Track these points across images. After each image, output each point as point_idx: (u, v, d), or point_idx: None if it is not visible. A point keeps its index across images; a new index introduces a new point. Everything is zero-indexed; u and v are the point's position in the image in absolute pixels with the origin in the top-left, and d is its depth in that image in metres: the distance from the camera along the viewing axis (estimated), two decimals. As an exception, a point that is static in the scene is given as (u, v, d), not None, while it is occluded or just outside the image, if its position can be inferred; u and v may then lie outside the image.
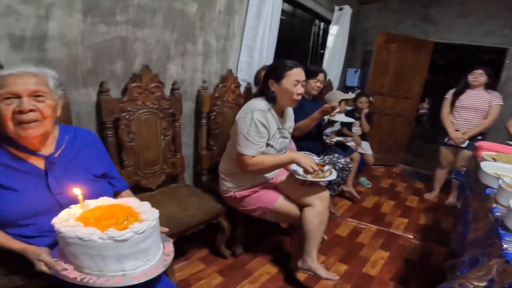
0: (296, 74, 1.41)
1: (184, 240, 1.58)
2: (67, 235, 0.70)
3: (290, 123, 1.64)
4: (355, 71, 3.85)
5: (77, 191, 0.81)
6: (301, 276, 1.66)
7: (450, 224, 2.53)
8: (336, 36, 3.29)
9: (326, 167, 1.56)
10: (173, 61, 1.72)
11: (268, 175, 1.61)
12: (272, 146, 1.48)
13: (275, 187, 1.61)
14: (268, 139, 1.45)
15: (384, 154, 3.79)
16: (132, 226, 0.75)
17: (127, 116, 1.45)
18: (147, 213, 0.82)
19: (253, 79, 2.21)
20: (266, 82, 1.47)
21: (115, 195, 1.12)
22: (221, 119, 1.96)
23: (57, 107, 0.92)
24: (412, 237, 2.25)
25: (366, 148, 2.99)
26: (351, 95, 2.74)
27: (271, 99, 1.46)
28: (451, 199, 2.83)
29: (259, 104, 1.43)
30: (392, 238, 2.21)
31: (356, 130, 3.04)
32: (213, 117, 1.91)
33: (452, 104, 2.73)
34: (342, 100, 2.41)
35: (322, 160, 2.07)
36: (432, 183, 3.07)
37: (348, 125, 2.98)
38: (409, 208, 2.79)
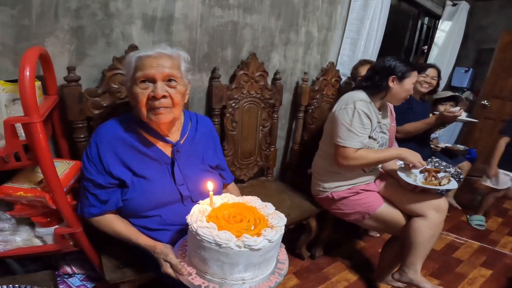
0: (416, 76, 1.36)
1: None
2: (204, 239, 0.64)
3: (387, 119, 1.47)
4: (466, 71, 3.27)
5: (210, 185, 0.76)
6: (384, 287, 1.54)
7: None
8: (449, 33, 2.93)
9: (442, 174, 1.34)
10: (277, 50, 1.64)
11: (370, 176, 1.44)
12: (374, 139, 1.35)
13: (378, 191, 1.43)
14: (370, 132, 1.32)
15: (492, 166, 3.21)
16: (266, 233, 0.67)
17: (233, 104, 1.42)
18: (274, 218, 0.75)
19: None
20: (386, 76, 1.33)
21: (222, 187, 1.07)
22: (318, 114, 1.82)
23: (186, 93, 0.88)
24: (520, 256, 1.98)
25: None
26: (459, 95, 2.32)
27: (379, 92, 1.35)
28: None
29: (360, 95, 1.32)
30: (496, 256, 1.98)
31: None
32: (310, 110, 1.79)
33: None
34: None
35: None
36: None
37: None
38: (519, 227, 2.44)
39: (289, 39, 1.68)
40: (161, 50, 0.82)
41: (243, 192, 0.89)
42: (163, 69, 0.79)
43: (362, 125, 1.26)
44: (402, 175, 1.33)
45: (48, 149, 0.76)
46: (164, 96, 0.79)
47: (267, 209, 0.79)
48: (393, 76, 1.32)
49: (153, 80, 0.79)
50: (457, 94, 2.21)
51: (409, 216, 1.32)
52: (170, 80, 0.81)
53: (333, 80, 1.85)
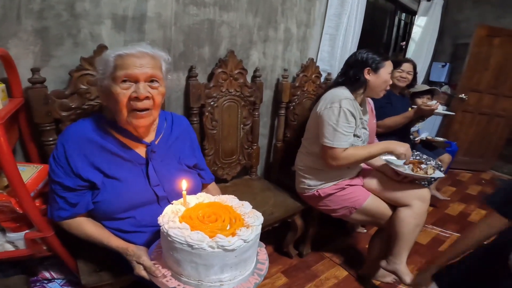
0: (390, 65, 1.36)
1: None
2: (176, 240, 0.62)
3: (367, 115, 1.49)
4: (443, 65, 3.35)
5: (184, 184, 0.74)
6: (374, 283, 1.55)
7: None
8: (425, 28, 2.99)
9: (424, 165, 1.39)
10: (256, 47, 1.63)
11: (354, 171, 1.45)
12: (358, 137, 1.36)
13: (363, 184, 1.44)
14: (354, 129, 1.33)
15: (472, 158, 3.34)
16: (240, 232, 0.65)
17: (212, 103, 1.40)
18: (250, 217, 0.72)
19: (334, 69, 2.02)
20: (360, 70, 1.35)
21: (202, 187, 1.05)
22: (299, 110, 1.82)
23: (165, 94, 0.85)
24: (505, 248, 1.96)
25: None
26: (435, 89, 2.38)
27: (360, 87, 1.36)
28: None
29: (344, 93, 1.32)
30: (482, 248, 1.98)
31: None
32: (291, 107, 1.78)
33: None
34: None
35: None
36: None
37: None
38: (502, 219, 2.44)
39: (267, 36, 1.68)
40: (143, 49, 0.79)
41: (226, 192, 0.87)
42: (146, 69, 0.77)
43: (348, 124, 1.26)
44: (391, 164, 1.36)
45: (10, 152, 0.72)
46: (147, 98, 0.77)
47: (243, 208, 0.76)
48: (368, 68, 1.33)
49: (135, 80, 0.77)
50: (433, 87, 2.27)
51: (394, 207, 1.34)
52: (152, 81, 0.79)
53: (313, 76, 1.86)
